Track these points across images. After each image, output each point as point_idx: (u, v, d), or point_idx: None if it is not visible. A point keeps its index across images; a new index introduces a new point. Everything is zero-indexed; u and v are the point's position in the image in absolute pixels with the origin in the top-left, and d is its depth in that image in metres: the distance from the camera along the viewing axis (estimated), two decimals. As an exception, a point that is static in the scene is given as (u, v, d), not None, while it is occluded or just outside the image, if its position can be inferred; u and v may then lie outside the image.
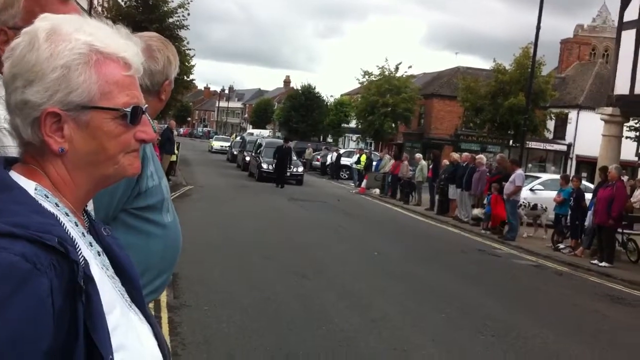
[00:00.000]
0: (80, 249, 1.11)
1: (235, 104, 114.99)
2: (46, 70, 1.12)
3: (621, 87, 15.67)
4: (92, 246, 1.18)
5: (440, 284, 10.24)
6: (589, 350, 7.18)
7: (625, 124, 17.70)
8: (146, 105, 1.23)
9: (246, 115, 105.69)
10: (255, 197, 22.04)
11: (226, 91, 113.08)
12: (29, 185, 1.13)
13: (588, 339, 7.71)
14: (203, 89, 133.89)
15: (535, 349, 7.05)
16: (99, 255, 1.19)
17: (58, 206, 1.14)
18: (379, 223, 18.27)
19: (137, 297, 1.27)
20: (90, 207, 1.30)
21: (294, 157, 29.49)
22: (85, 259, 1.10)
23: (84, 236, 1.17)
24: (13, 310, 0.97)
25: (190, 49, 28.75)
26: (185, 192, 20.19)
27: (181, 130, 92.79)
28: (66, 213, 1.15)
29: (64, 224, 1.12)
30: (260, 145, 32.18)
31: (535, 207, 17.32)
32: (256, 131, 65.56)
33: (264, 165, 28.88)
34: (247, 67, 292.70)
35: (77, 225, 1.16)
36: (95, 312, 1.08)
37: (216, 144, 59.82)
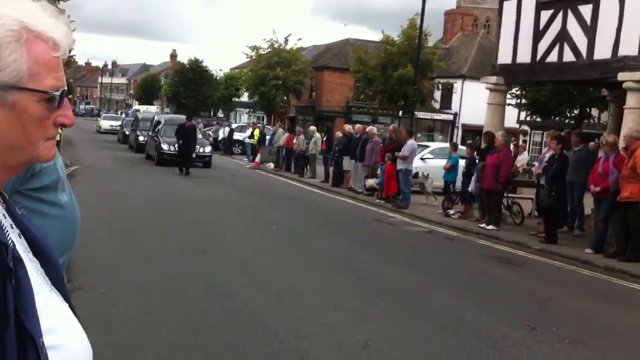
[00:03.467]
0: (7, 231, 1.06)
1: (120, 80, 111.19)
2: None
3: (504, 56, 16.27)
4: (13, 228, 1.12)
5: (339, 254, 10.40)
6: (481, 310, 7.50)
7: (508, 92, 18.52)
8: (65, 88, 1.17)
9: (131, 91, 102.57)
10: (146, 175, 21.51)
11: (109, 66, 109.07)
12: None
13: (480, 298, 8.06)
14: (84, 64, 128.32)
15: (432, 310, 7.31)
16: (20, 237, 1.13)
17: None
18: (275, 197, 18.29)
19: (58, 279, 1.21)
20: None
21: (200, 136, 26.16)
22: (12, 241, 1.06)
23: (5, 218, 1.11)
24: None
25: (70, 22, 27.50)
26: (71, 173, 19.37)
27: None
28: None
29: None
30: (158, 122, 28.37)
31: (416, 175, 17.86)
32: (143, 107, 63.41)
33: (165, 147, 25.22)
34: (129, 40, 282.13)
35: None
36: (25, 295, 1.04)
37: (105, 124, 52.71)
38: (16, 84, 1.07)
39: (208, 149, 26.32)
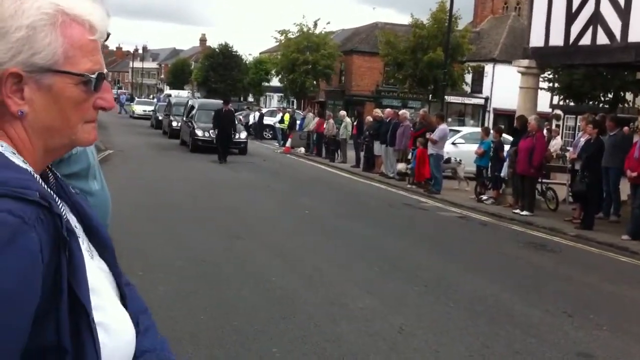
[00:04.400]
0: (60, 203, 1.09)
1: (150, 65, 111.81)
2: (10, 29, 1.05)
3: (536, 39, 16.01)
4: (64, 205, 1.14)
5: (371, 239, 10.39)
6: (516, 295, 7.46)
7: (540, 76, 18.25)
8: (106, 71, 1.19)
9: (162, 76, 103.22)
10: (179, 160, 21.69)
11: (140, 51, 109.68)
12: None
13: (515, 284, 8.01)
14: (115, 49, 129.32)
15: (465, 295, 7.27)
16: (71, 214, 1.15)
17: (25, 163, 1.09)
18: (306, 181, 18.32)
19: (110, 259, 1.22)
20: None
21: (237, 122, 24.31)
22: (65, 213, 1.07)
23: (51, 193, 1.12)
24: (5, 266, 0.93)
25: None
26: (105, 157, 19.62)
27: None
28: (33, 171, 1.10)
29: (38, 178, 1.08)
30: (192, 107, 27.18)
31: (448, 160, 17.73)
32: (174, 92, 63.74)
33: (199, 133, 24.04)
34: (158, 24, 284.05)
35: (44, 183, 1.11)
36: (78, 267, 1.05)
37: (138, 109, 51.88)
38: (51, 67, 1.09)
39: (243, 134, 24.97)
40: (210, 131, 22.90)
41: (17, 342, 0.96)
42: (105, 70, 1.17)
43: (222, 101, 24.58)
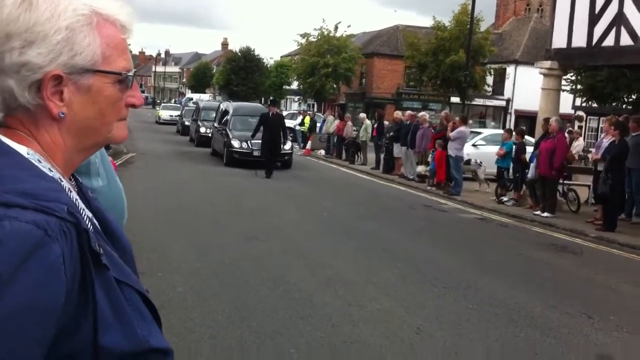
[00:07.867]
0: (85, 215, 1.09)
1: (173, 69, 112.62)
2: (49, 32, 1.06)
3: (558, 40, 15.90)
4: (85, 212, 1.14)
5: (390, 240, 10.37)
6: (536, 297, 7.40)
7: (563, 77, 18.10)
8: (134, 69, 1.21)
9: (184, 80, 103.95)
10: (199, 163, 21.80)
11: (162, 55, 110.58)
12: (21, 150, 1.08)
13: (535, 287, 7.94)
14: (138, 53, 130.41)
15: (485, 297, 7.24)
16: (92, 220, 1.15)
17: (51, 171, 1.10)
18: (326, 183, 18.33)
19: (130, 263, 1.23)
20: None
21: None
22: (90, 225, 1.08)
23: (77, 202, 1.13)
24: (26, 278, 0.94)
25: None
26: (128, 160, 19.82)
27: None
28: (60, 178, 1.11)
29: (66, 187, 1.09)
30: (226, 112, 23.10)
31: (468, 162, 17.63)
32: (195, 95, 64.01)
33: (235, 143, 20.29)
34: (181, 28, 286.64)
35: (70, 191, 1.12)
36: (111, 278, 1.08)
37: (164, 114, 48.93)
38: (91, 67, 1.10)
39: (288, 145, 20.59)
40: (249, 141, 19.89)
41: (35, 353, 0.96)
42: (134, 68, 1.19)
43: (263, 104, 23.35)
